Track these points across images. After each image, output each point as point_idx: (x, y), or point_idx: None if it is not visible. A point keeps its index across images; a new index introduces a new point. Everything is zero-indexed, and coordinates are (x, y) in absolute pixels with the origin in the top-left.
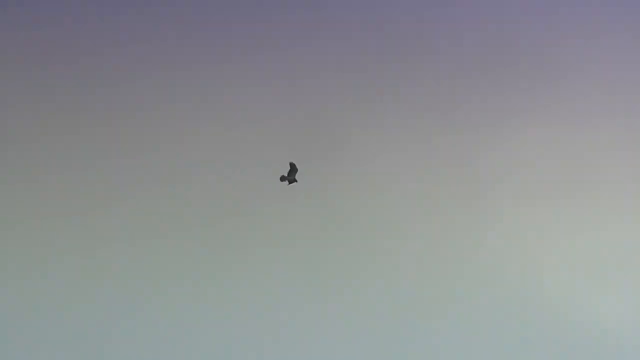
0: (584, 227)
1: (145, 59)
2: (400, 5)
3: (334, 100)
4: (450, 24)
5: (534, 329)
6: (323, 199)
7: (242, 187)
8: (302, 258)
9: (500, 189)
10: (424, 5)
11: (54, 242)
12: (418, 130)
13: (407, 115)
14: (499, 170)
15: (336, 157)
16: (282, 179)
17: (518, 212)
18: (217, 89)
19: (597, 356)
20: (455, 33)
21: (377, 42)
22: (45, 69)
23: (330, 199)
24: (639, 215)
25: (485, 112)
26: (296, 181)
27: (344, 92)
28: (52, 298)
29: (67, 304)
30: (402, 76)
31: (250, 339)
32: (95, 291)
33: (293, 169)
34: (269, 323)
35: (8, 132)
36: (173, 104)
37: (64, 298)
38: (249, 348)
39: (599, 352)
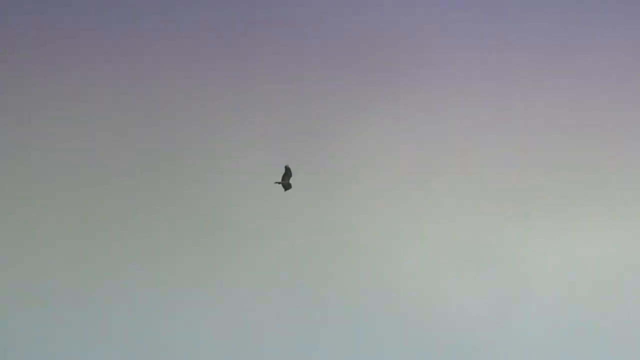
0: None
1: (131, 58)
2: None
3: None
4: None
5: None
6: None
7: (235, 187)
8: (296, 258)
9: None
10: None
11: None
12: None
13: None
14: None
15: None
16: (277, 184)
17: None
18: (209, 87)
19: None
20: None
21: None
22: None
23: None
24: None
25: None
26: (291, 186)
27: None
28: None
29: (61, 302)
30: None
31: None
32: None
33: (288, 172)
34: (265, 323)
35: None
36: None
37: (59, 294)
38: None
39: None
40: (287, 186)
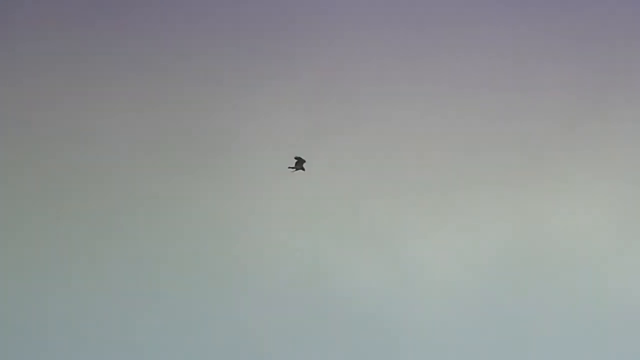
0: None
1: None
2: None
3: None
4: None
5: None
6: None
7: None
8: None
9: None
10: None
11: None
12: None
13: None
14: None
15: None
16: (290, 168)
17: None
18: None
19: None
20: None
21: None
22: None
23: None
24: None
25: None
26: (303, 169)
27: None
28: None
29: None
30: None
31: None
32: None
33: (300, 161)
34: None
35: None
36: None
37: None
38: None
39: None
40: (299, 168)
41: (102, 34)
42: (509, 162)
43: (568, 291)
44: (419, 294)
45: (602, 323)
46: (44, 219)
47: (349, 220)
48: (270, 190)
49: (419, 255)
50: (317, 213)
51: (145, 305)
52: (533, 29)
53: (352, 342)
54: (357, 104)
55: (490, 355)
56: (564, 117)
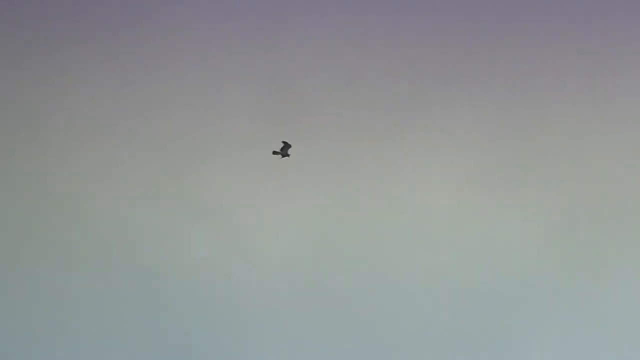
0: None
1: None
2: None
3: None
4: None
5: None
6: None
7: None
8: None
9: None
10: None
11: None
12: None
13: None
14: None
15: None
16: (275, 153)
17: None
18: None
19: None
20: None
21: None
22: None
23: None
24: None
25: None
26: (288, 155)
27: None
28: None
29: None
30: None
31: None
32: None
33: (286, 145)
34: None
35: None
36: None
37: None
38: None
39: None
40: (284, 155)
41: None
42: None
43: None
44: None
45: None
46: (50, 220)
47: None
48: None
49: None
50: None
51: (144, 306)
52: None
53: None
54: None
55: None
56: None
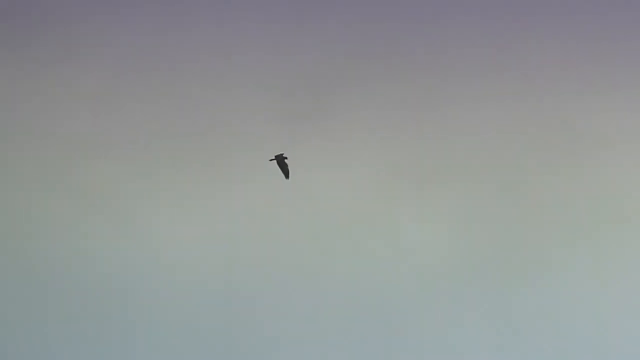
0: None
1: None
2: None
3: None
4: None
5: None
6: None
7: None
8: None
9: None
10: None
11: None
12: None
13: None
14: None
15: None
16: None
17: None
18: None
19: None
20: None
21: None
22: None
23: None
24: None
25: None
26: (285, 160)
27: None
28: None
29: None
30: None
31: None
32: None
33: (282, 160)
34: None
35: None
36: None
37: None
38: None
39: None
40: (281, 161)
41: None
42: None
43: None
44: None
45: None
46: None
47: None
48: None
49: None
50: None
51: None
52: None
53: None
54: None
55: None
56: None
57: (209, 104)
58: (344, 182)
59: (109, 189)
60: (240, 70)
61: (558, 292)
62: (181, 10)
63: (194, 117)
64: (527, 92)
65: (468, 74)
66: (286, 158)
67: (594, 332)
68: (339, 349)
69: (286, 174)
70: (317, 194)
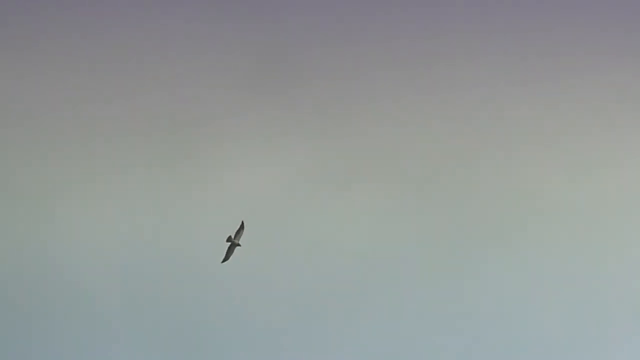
0: None
1: None
2: None
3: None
4: None
5: None
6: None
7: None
8: None
9: None
10: None
11: None
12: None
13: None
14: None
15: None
16: (229, 239)
17: None
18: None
19: None
20: None
21: None
22: None
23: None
24: None
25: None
26: (239, 245)
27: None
28: None
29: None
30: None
31: None
32: None
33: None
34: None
35: None
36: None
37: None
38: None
39: None
40: (234, 245)
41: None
42: None
43: None
44: None
45: None
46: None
47: None
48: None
49: None
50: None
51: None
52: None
53: None
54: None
55: None
56: None
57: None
58: (266, 180)
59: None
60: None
61: (479, 288)
62: None
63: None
64: (451, 85)
65: (391, 67)
66: (239, 245)
67: (514, 330)
68: (254, 346)
69: (225, 257)
70: (238, 192)
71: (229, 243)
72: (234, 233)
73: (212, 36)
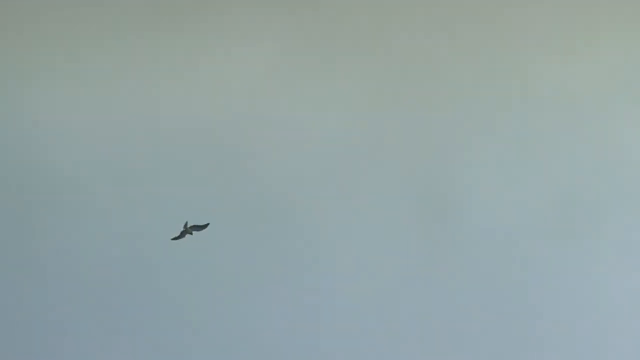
0: None
1: None
2: None
3: None
4: None
5: None
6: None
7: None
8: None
9: None
10: None
11: None
12: None
13: None
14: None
15: None
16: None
17: None
18: None
19: None
20: None
21: None
22: None
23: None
24: None
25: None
26: (191, 233)
27: None
28: None
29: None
30: None
31: None
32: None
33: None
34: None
35: None
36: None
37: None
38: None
39: None
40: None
41: None
42: None
43: None
44: None
45: None
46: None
47: None
48: None
49: None
50: None
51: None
52: None
53: None
54: None
55: None
56: None
57: None
58: (249, 61)
59: None
60: None
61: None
62: None
63: None
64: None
65: None
66: (191, 233)
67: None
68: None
69: (179, 235)
70: (220, 75)
71: (185, 228)
72: (193, 225)
73: None
